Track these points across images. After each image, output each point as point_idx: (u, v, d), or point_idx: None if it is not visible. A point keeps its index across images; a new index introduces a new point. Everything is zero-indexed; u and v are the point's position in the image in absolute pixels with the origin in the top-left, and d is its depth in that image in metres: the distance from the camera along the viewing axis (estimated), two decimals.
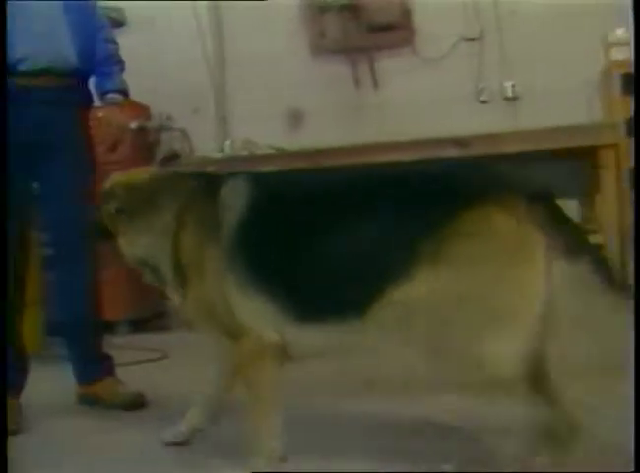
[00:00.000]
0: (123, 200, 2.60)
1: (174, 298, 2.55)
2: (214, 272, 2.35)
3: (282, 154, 5.62)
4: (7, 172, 3.12)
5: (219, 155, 5.83)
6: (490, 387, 2.09)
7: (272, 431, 2.31)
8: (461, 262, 1.99)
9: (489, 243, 1.99)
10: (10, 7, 3.18)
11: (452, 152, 4.96)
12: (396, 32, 6.05)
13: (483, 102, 5.83)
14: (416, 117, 5.75)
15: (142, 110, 6.24)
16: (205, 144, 6.28)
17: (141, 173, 2.75)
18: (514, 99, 5.75)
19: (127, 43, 3.63)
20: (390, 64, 6.08)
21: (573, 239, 2.01)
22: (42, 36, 3.33)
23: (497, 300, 1.97)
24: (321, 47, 6.27)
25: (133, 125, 6.06)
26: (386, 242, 2.10)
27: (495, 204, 2.03)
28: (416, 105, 5.85)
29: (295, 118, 6.24)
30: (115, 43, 3.64)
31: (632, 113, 4.17)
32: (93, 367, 3.50)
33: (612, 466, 2.07)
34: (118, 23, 6.48)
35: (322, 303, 2.20)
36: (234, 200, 2.38)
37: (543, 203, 2.04)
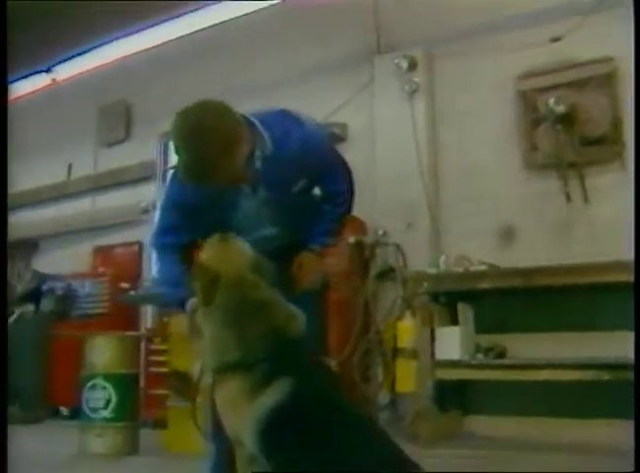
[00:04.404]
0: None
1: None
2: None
3: (495, 271, 5.74)
4: None
5: (433, 271, 5.99)
6: None
7: None
8: None
9: None
10: None
11: None
12: (607, 146, 6.03)
13: None
14: (624, 234, 5.73)
15: (359, 226, 6.54)
16: (418, 259, 6.45)
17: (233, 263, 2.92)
18: None
19: (347, 158, 3.71)
20: (600, 180, 6.02)
21: None
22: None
23: None
24: (533, 161, 6.35)
25: (351, 240, 6.44)
26: None
27: None
28: (625, 222, 5.80)
29: (507, 233, 6.30)
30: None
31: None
32: None
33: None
34: (340, 139, 6.93)
35: None
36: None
37: None
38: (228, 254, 2.93)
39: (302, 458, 2.47)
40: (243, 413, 2.59)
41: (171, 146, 3.04)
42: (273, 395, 2.54)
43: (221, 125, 2.91)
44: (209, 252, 2.95)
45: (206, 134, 2.87)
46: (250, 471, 2.69)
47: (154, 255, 3.49)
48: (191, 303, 3.04)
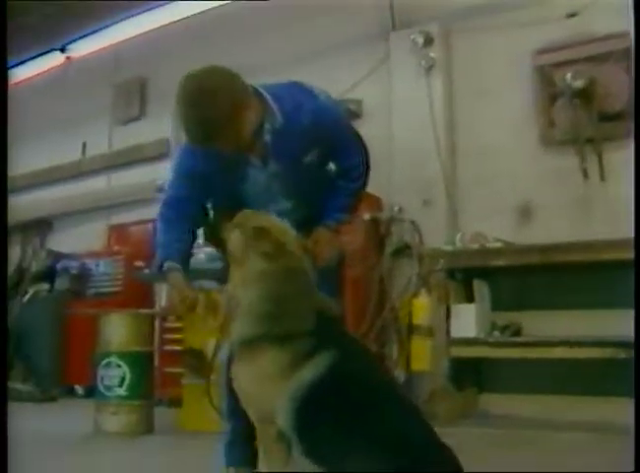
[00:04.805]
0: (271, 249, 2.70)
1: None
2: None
3: (512, 248, 5.71)
4: None
5: (449, 248, 5.96)
6: None
7: None
8: None
9: None
10: None
11: None
12: (625, 121, 5.92)
13: None
14: None
15: (374, 202, 6.51)
16: (435, 236, 6.41)
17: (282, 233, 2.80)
18: None
19: (363, 135, 3.63)
20: (618, 155, 5.90)
21: None
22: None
23: None
24: (550, 137, 6.27)
25: (366, 216, 6.40)
26: None
27: None
28: None
29: (524, 211, 6.24)
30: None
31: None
32: None
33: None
34: (356, 115, 6.89)
35: None
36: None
37: None
38: (276, 226, 2.85)
39: (336, 435, 2.43)
40: (278, 388, 2.53)
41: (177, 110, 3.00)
42: (313, 370, 2.50)
43: (226, 87, 2.92)
44: (256, 219, 2.86)
45: (212, 95, 2.88)
46: (277, 449, 2.63)
47: (158, 226, 3.39)
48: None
